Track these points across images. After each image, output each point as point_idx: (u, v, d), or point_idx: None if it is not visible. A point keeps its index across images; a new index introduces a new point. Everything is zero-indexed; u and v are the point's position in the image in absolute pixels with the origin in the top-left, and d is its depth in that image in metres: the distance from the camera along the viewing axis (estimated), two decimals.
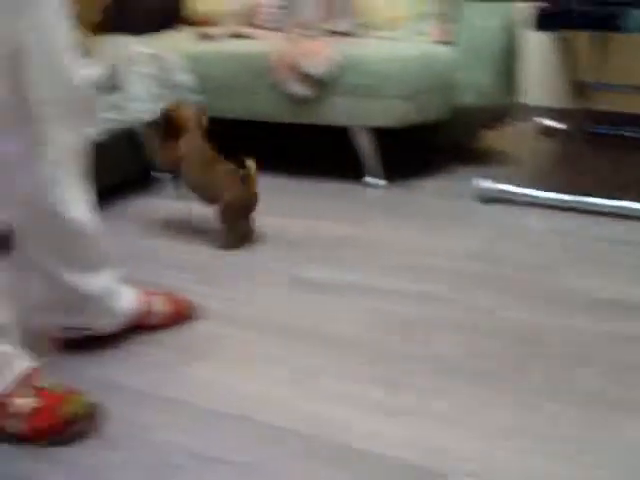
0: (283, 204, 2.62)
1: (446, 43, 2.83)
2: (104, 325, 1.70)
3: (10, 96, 1.43)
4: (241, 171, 2.23)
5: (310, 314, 1.86)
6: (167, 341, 1.74)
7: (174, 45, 3.00)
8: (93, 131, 1.68)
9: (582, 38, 2.48)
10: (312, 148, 3.23)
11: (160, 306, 1.78)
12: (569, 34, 2.51)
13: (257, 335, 1.76)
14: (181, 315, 1.81)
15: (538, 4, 2.41)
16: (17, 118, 1.45)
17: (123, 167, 2.72)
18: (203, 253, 2.24)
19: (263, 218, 2.38)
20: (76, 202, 1.58)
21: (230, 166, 2.28)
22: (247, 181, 2.23)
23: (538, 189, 2.56)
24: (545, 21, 2.39)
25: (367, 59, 2.65)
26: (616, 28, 2.28)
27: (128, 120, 2.64)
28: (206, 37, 3.04)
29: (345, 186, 2.79)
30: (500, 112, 2.98)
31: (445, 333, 1.74)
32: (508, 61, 2.86)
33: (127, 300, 1.72)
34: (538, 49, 3.23)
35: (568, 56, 2.57)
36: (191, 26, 3.43)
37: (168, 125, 2.39)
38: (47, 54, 1.45)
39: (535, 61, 3.28)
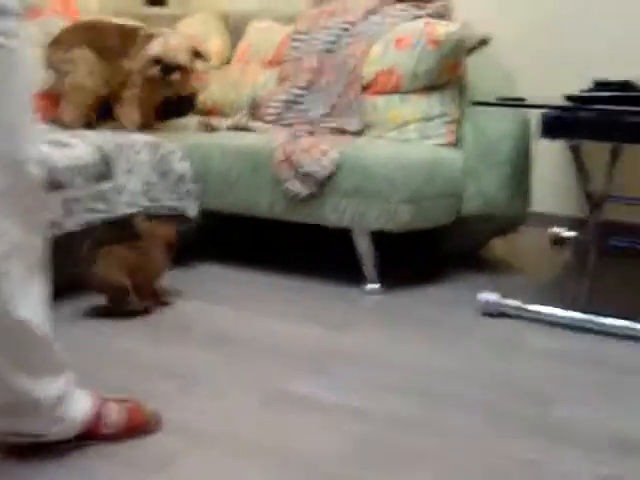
0: (273, 304, 2.50)
1: (454, 147, 2.74)
2: (55, 433, 1.55)
3: None
4: None
5: (281, 433, 1.69)
6: (120, 455, 1.58)
7: (175, 133, 2.93)
8: (45, 223, 1.55)
9: (595, 145, 2.37)
10: (311, 247, 3.12)
11: (115, 415, 1.62)
12: (580, 142, 2.40)
13: (219, 453, 1.60)
14: (138, 427, 1.65)
15: (545, 110, 2.31)
16: None
17: None
18: (177, 355, 2.10)
19: (249, 319, 2.25)
20: (27, 300, 1.46)
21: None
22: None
23: (546, 304, 2.40)
24: (551, 129, 2.28)
25: (370, 160, 2.55)
26: (622, 139, 2.17)
27: (113, 215, 2.54)
28: (208, 127, 2.97)
29: (341, 289, 2.65)
30: (509, 220, 2.87)
31: (428, 465, 1.57)
32: (518, 167, 2.75)
33: (82, 407, 1.57)
34: (550, 155, 3.10)
35: (580, 164, 2.45)
36: (200, 115, 3.39)
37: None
38: None
39: (547, 168, 3.16)
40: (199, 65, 3.53)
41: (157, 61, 2.78)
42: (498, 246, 3.17)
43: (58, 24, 3.18)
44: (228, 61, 3.61)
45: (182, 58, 2.80)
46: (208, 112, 3.43)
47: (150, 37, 2.87)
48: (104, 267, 2.31)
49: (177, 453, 1.59)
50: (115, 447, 1.59)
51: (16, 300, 1.44)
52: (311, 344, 2.19)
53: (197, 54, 2.85)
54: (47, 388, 1.51)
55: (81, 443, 1.58)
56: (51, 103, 3.00)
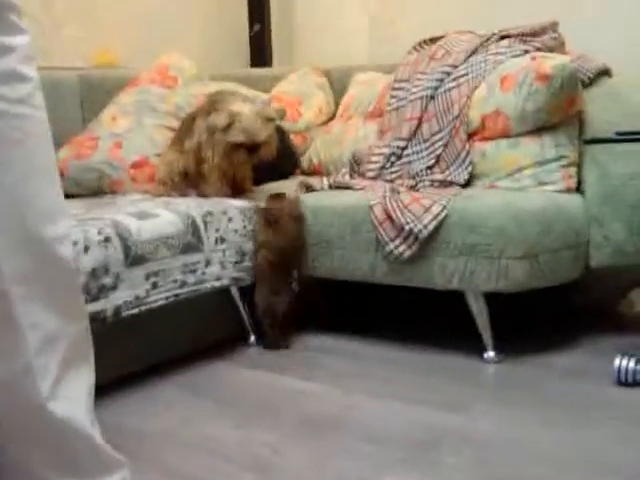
0: (375, 381, 2.25)
1: (574, 192, 2.44)
2: None
3: None
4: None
5: None
6: None
7: None
8: (83, 308, 1.40)
9: None
10: (418, 312, 2.86)
11: None
12: None
13: None
14: None
15: None
16: None
17: (189, 336, 2.47)
18: (262, 442, 1.89)
19: (346, 399, 2.02)
20: (66, 396, 1.30)
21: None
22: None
23: None
24: None
25: (479, 214, 2.28)
26: None
27: (200, 287, 2.38)
28: (306, 187, 2.80)
29: (453, 359, 2.38)
30: None
31: None
32: None
33: None
34: None
35: None
36: (304, 175, 3.25)
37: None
38: (17, 217, 1.22)
39: None
40: (300, 125, 3.42)
41: (239, 145, 2.62)
42: (638, 301, 2.80)
43: (155, 93, 3.14)
44: (333, 117, 3.47)
45: (263, 134, 2.62)
46: (314, 171, 3.28)
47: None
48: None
49: None
50: None
51: (55, 396, 1.28)
52: (416, 429, 1.92)
53: (269, 119, 2.66)
54: None
55: None
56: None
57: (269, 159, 2.71)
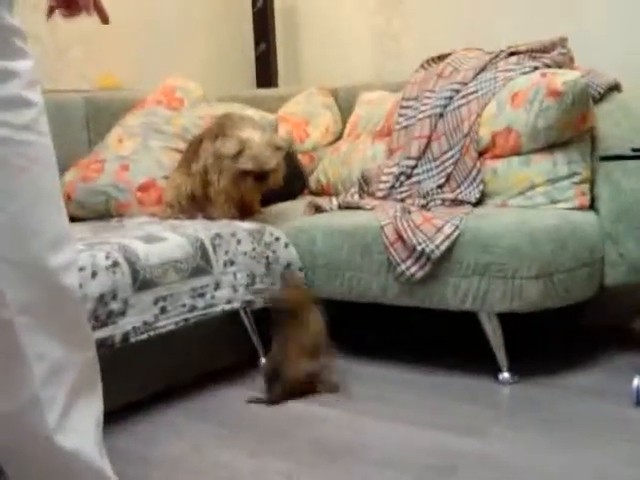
0: (390, 404, 2.21)
1: (588, 209, 2.40)
2: None
3: None
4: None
5: None
6: None
7: (280, 218, 2.74)
8: (89, 337, 1.36)
9: None
10: (434, 333, 2.82)
11: None
12: None
13: None
14: None
15: None
16: None
17: (198, 360, 2.44)
18: (275, 469, 1.85)
19: (361, 424, 1.98)
20: (73, 428, 1.27)
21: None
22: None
23: None
24: None
25: (492, 233, 2.25)
26: None
27: (210, 311, 2.35)
28: (315, 207, 2.76)
29: (468, 381, 2.33)
30: None
31: None
32: None
33: None
34: None
35: None
36: (312, 195, 3.22)
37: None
38: (23, 245, 1.19)
39: None
40: (307, 145, 3.39)
41: (247, 172, 2.59)
42: None
43: (162, 114, 3.12)
44: (340, 136, 3.45)
45: (272, 163, 2.59)
46: (322, 191, 3.25)
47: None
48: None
49: None
50: None
51: (62, 429, 1.25)
52: (432, 453, 1.88)
53: (278, 148, 2.63)
54: None
55: None
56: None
57: (277, 187, 2.68)
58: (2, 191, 1.18)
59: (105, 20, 1.43)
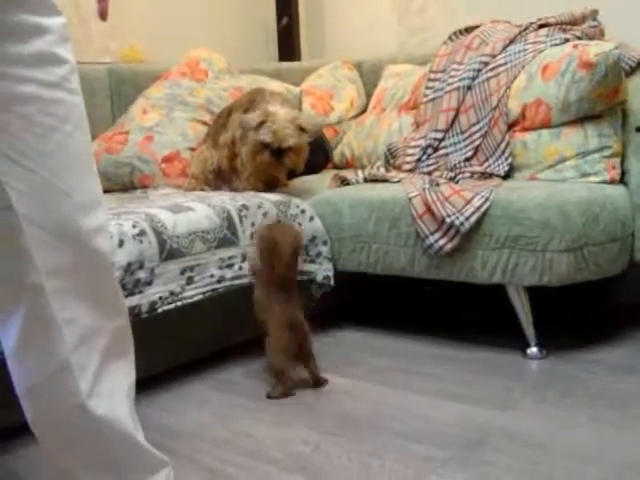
0: (418, 378, 2.19)
1: (619, 183, 2.36)
2: None
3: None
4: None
5: None
6: None
7: (305, 190, 2.72)
8: (122, 303, 1.34)
9: None
10: (457, 307, 2.79)
11: None
12: None
13: None
14: None
15: None
16: (13, 294, 1.16)
17: (225, 333, 2.43)
18: (301, 441, 1.84)
19: (388, 397, 1.96)
20: (105, 395, 1.26)
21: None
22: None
23: None
24: None
25: (521, 206, 2.22)
26: None
27: (237, 283, 2.33)
28: (340, 180, 2.74)
29: (496, 356, 2.31)
30: None
31: None
32: None
33: None
34: None
35: None
36: (337, 169, 3.20)
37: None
38: (53, 208, 1.17)
39: None
40: (332, 118, 3.36)
41: (266, 145, 2.56)
42: None
43: (186, 86, 3.09)
44: (364, 109, 3.42)
45: (290, 141, 2.55)
46: (347, 164, 3.23)
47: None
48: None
49: None
50: None
51: (94, 395, 1.24)
52: (460, 427, 1.86)
53: (302, 129, 2.59)
54: None
55: None
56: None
57: (297, 169, 2.64)
58: (33, 150, 1.14)
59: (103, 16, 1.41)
